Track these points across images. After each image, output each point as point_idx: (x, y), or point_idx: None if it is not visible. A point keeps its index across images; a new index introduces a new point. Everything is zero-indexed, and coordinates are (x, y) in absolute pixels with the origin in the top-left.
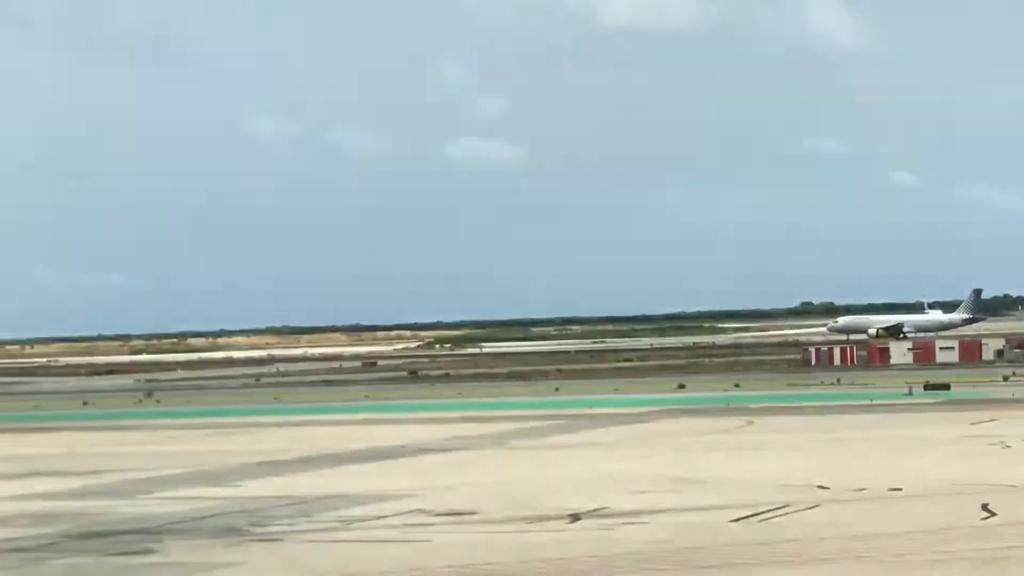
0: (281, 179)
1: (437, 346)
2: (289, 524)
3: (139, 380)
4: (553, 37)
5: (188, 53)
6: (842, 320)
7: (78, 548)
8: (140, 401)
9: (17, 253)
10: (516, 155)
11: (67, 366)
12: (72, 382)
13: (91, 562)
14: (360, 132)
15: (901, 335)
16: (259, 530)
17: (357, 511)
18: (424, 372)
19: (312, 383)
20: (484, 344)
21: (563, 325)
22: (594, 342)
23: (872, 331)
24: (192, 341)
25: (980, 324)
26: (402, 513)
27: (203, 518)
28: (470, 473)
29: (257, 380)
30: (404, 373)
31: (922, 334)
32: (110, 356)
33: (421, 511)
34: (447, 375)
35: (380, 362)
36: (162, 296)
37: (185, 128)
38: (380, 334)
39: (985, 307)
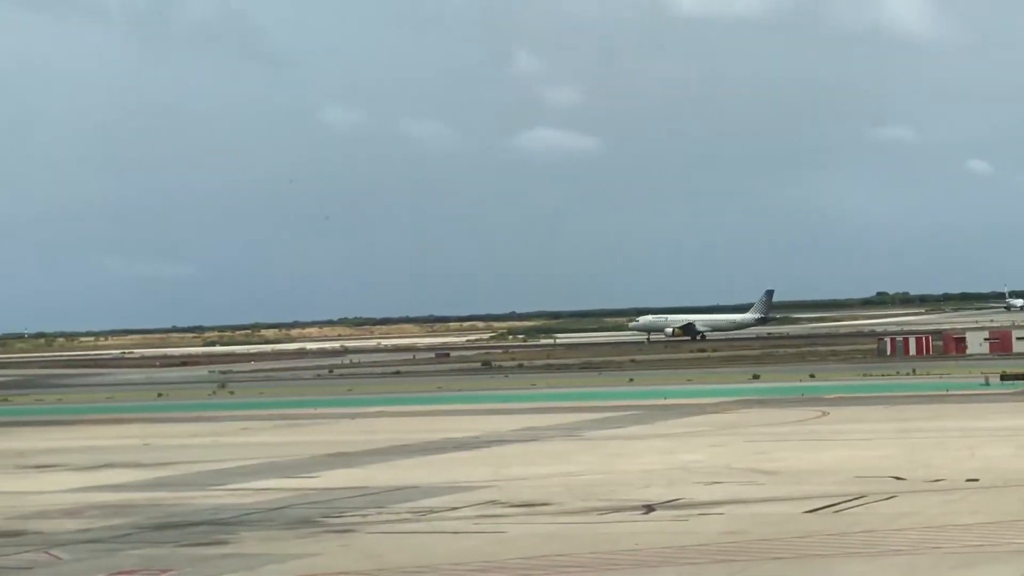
0: (353, 170)
1: (510, 337)
2: (362, 515)
3: (213, 371)
4: (625, 26)
5: (262, 43)
6: (642, 320)
7: (151, 539)
8: (214, 392)
9: (91, 245)
10: (589, 145)
11: (141, 357)
12: (146, 373)
13: (165, 553)
14: (432, 123)
15: (699, 335)
16: (333, 521)
17: (430, 502)
18: (497, 363)
19: (385, 374)
20: (558, 335)
21: (636, 316)
22: None
23: (668, 330)
24: (265, 332)
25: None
26: (476, 504)
27: (276, 509)
28: (544, 464)
29: (330, 371)
30: (477, 364)
31: (718, 333)
32: (184, 347)
33: (495, 502)
34: (520, 366)
35: (453, 353)
36: (235, 287)
37: (259, 118)
38: (453, 325)
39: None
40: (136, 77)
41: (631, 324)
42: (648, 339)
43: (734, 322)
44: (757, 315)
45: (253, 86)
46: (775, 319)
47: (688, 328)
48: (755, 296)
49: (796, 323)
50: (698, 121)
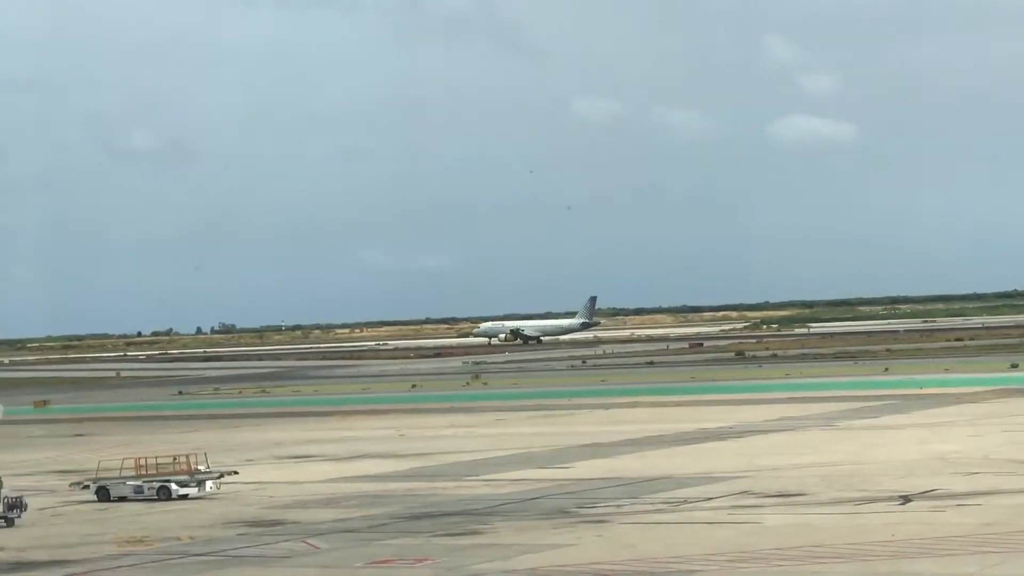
0: (604, 159)
1: (764, 326)
2: (616, 506)
3: (467, 362)
4: (883, 11)
5: (515, 35)
6: (482, 327)
7: (407, 529)
8: (467, 383)
9: (345, 238)
10: (845, 132)
11: (395, 349)
12: (400, 365)
13: (420, 543)
14: (687, 112)
15: (534, 339)
16: (587, 511)
17: (684, 492)
18: (751, 353)
19: (638, 364)
20: (811, 324)
21: (891, 304)
22: (923, 321)
23: (502, 336)
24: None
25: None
26: (730, 495)
27: (531, 500)
28: (798, 454)
29: (583, 362)
30: (731, 354)
31: (548, 337)
32: (438, 339)
33: (749, 492)
34: (774, 356)
35: (706, 343)
36: (488, 278)
37: (511, 109)
38: (706, 315)
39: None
40: (389, 69)
41: (474, 331)
42: (489, 342)
43: (561, 327)
44: (582, 320)
45: (505, 77)
46: (599, 324)
47: (517, 333)
48: (1007, 284)
49: None
50: (958, 107)
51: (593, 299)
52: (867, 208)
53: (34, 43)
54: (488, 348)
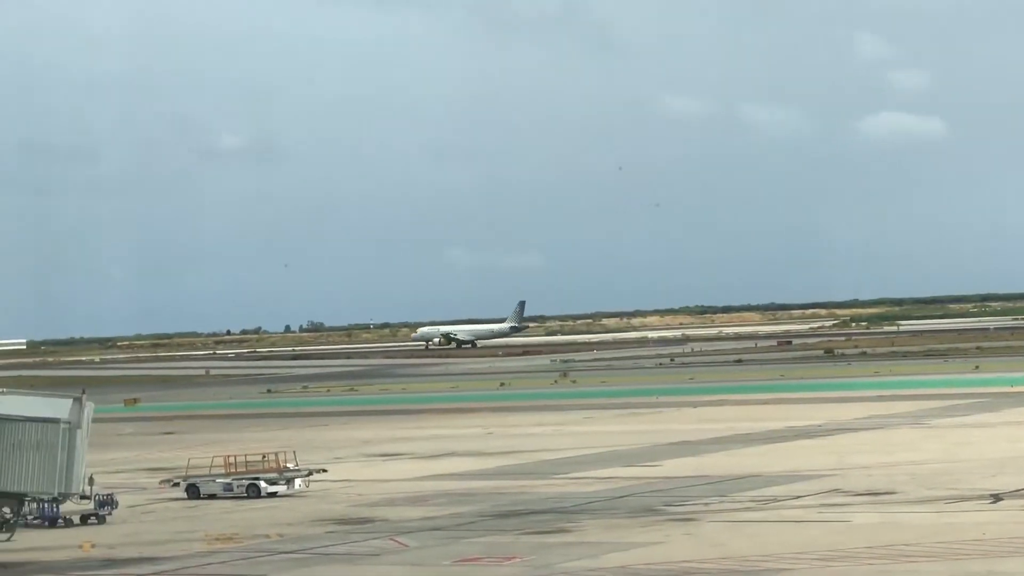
0: (692, 156)
1: (853, 324)
2: (705, 504)
3: (554, 360)
4: (975, 6)
5: (601, 31)
6: (420, 331)
7: (495, 527)
8: (555, 381)
9: (434, 236)
10: (935, 128)
11: (483, 347)
12: (488, 363)
13: (508, 541)
14: (774, 108)
15: (469, 343)
16: (675, 510)
17: (772, 491)
18: (840, 351)
19: (726, 362)
20: (901, 322)
21: (982, 302)
22: (1014, 319)
23: (436, 339)
24: (606, 321)
25: None
26: (819, 493)
27: (618, 498)
28: (888, 452)
29: (671, 360)
30: (819, 352)
31: (480, 340)
32: (526, 337)
33: (838, 491)
34: (863, 354)
35: (795, 341)
36: (576, 276)
37: (598, 105)
38: (795, 312)
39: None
40: (477, 68)
41: (412, 336)
42: (427, 346)
43: (492, 331)
44: (511, 325)
45: (593, 75)
46: (527, 328)
47: (449, 337)
48: None
49: None
50: None
51: (522, 303)
52: (957, 205)
53: (124, 42)
54: (581, 346)
